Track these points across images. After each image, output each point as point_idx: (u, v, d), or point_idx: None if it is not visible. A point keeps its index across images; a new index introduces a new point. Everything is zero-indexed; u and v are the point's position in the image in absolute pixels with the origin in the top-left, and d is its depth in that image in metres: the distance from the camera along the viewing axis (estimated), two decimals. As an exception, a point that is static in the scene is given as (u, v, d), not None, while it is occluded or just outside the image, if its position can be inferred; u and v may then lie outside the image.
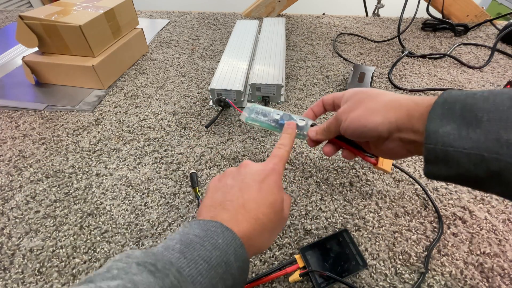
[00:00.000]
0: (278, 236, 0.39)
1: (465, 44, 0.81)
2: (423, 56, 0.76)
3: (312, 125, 0.35)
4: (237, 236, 0.23)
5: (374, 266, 0.36)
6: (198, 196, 0.43)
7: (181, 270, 0.20)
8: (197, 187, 0.44)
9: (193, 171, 0.47)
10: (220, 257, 0.22)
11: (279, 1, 0.97)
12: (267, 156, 0.50)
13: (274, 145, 0.52)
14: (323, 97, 0.35)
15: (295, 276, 0.33)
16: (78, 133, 0.56)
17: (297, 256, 0.35)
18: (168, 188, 0.45)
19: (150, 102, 0.63)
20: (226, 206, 0.25)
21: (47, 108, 0.62)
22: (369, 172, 0.47)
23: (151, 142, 0.53)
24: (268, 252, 0.37)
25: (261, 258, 0.37)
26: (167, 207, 0.43)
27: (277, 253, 0.37)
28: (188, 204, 0.43)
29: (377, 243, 0.38)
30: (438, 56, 0.75)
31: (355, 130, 0.27)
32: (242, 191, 0.26)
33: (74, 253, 0.38)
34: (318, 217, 0.41)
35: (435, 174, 0.23)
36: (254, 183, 0.27)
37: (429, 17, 0.87)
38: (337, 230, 0.39)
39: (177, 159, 0.50)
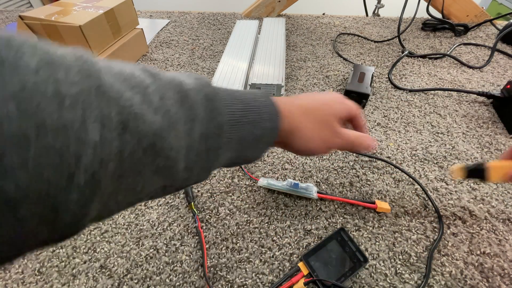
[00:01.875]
0: (278, 236, 0.39)
1: (465, 44, 0.81)
2: (423, 56, 0.76)
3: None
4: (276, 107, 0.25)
5: (374, 266, 0.36)
6: (194, 212, 0.41)
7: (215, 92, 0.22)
8: (192, 203, 0.42)
9: None
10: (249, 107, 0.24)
11: (279, 1, 0.97)
12: (267, 156, 0.50)
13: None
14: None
15: (300, 285, 0.33)
16: (78, 133, 0.56)
17: (300, 264, 0.35)
18: (168, 188, 0.45)
19: (150, 102, 0.63)
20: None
21: (47, 108, 0.62)
22: (369, 172, 0.47)
23: (151, 142, 0.53)
24: (268, 252, 0.37)
25: (261, 258, 0.37)
26: (167, 207, 0.43)
27: (277, 253, 0.37)
28: (188, 204, 0.43)
29: (377, 243, 0.38)
30: (438, 56, 0.75)
31: None
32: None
33: (74, 253, 0.38)
34: (318, 217, 0.41)
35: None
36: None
37: (429, 17, 0.87)
38: (336, 230, 0.39)
39: (177, 159, 0.50)
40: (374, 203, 0.41)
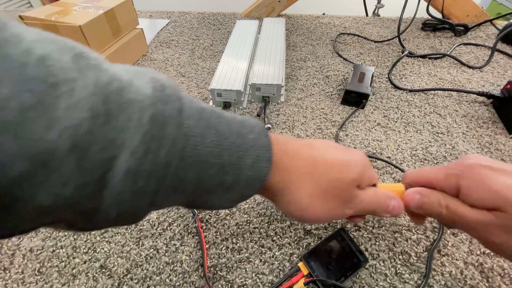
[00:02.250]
0: (278, 236, 0.39)
1: (465, 44, 0.81)
2: (423, 56, 0.76)
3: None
4: (270, 149, 0.19)
5: (374, 266, 0.36)
6: (194, 212, 0.41)
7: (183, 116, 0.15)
8: None
9: None
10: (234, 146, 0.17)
11: (279, 1, 0.97)
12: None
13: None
14: (408, 176, 0.27)
15: (300, 285, 0.33)
16: (78, 133, 0.56)
17: (300, 264, 0.35)
18: (168, 188, 0.45)
19: (150, 102, 0.63)
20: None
21: (47, 108, 0.62)
22: (369, 172, 0.47)
23: (151, 142, 0.53)
24: (268, 252, 0.37)
25: (261, 258, 0.37)
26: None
27: (277, 253, 0.37)
28: (188, 204, 0.43)
29: (377, 243, 0.38)
30: (438, 56, 0.75)
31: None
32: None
33: (74, 253, 0.38)
34: (318, 217, 0.41)
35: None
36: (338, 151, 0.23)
37: (429, 17, 0.87)
38: (336, 230, 0.39)
39: (177, 159, 0.50)
40: None
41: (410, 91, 0.64)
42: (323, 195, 0.21)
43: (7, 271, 0.36)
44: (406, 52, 0.72)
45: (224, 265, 0.36)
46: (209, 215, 0.41)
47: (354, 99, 0.59)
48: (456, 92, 0.63)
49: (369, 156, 0.49)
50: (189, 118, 0.16)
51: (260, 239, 0.39)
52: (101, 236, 0.39)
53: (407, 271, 0.35)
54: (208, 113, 0.17)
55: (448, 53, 0.75)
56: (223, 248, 0.38)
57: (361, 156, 0.24)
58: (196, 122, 0.16)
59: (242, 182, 0.18)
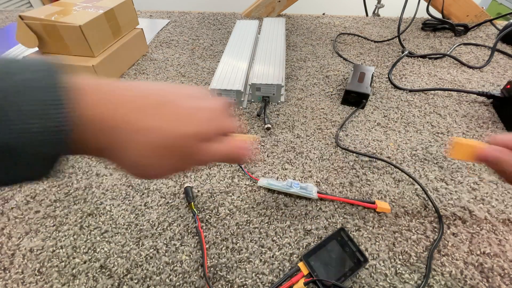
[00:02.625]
0: (278, 236, 0.39)
1: (465, 44, 0.81)
2: (423, 56, 0.76)
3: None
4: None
5: (374, 266, 0.36)
6: (194, 212, 0.41)
7: None
8: (192, 203, 0.42)
9: (188, 185, 0.44)
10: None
11: (279, 1, 0.97)
12: (267, 156, 0.50)
13: (273, 145, 0.52)
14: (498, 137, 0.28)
15: (300, 285, 0.33)
16: (78, 133, 0.56)
17: (300, 264, 0.35)
18: (168, 188, 0.45)
19: (150, 102, 0.63)
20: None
21: (47, 108, 0.62)
22: (369, 172, 0.47)
23: (151, 142, 0.53)
24: (268, 252, 0.37)
25: (261, 258, 0.37)
26: (167, 207, 0.43)
27: (277, 253, 0.37)
28: (188, 204, 0.43)
29: (377, 243, 0.38)
30: (438, 56, 0.75)
31: None
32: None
33: (74, 253, 0.38)
34: (318, 217, 0.41)
35: None
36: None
37: (429, 17, 0.87)
38: (336, 230, 0.39)
39: (177, 159, 0.50)
40: (374, 203, 0.41)
41: (410, 91, 0.64)
42: (160, 153, 0.18)
43: (7, 271, 0.36)
44: (406, 52, 0.72)
45: (224, 265, 0.36)
46: (209, 215, 0.41)
47: (354, 99, 0.59)
48: (456, 92, 0.63)
49: (369, 156, 0.49)
50: None
51: (260, 239, 0.39)
52: (101, 236, 0.39)
53: (407, 271, 0.35)
54: None
55: (448, 53, 0.75)
56: (223, 248, 0.38)
57: (210, 105, 0.21)
58: None
59: (33, 134, 0.13)
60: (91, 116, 0.15)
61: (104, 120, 0.16)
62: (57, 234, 0.40)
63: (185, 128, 0.18)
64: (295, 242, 0.38)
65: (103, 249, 0.38)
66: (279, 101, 0.62)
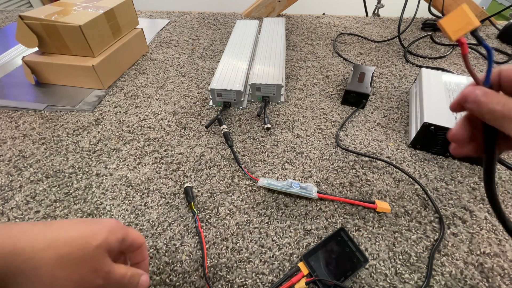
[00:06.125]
0: (278, 236, 0.39)
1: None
2: (423, 57, 0.76)
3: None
4: None
5: (374, 266, 0.36)
6: (194, 212, 0.41)
7: None
8: (192, 203, 0.42)
9: (188, 185, 0.44)
10: None
11: (279, 1, 0.97)
12: (267, 156, 0.50)
13: (273, 145, 0.52)
14: (504, 69, 0.19)
15: (301, 285, 0.33)
16: (78, 133, 0.56)
17: (300, 264, 0.35)
18: (168, 188, 0.45)
19: (150, 102, 0.63)
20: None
21: (47, 108, 0.62)
22: (369, 172, 0.47)
23: (151, 142, 0.53)
24: (268, 252, 0.37)
25: (261, 258, 0.37)
26: (167, 207, 0.43)
27: (277, 253, 0.37)
28: (188, 204, 0.43)
29: (377, 243, 0.38)
30: (438, 56, 0.75)
31: None
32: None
33: (74, 253, 0.38)
34: (318, 217, 0.41)
35: None
36: None
37: (430, 17, 0.87)
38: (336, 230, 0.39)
39: (177, 159, 0.50)
40: (374, 203, 0.41)
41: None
42: (62, 274, 0.19)
43: (7, 271, 0.36)
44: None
45: (224, 265, 0.36)
46: (209, 215, 0.41)
47: (354, 99, 0.59)
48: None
49: (369, 157, 0.49)
50: None
51: (260, 239, 0.39)
52: (101, 236, 0.39)
53: (407, 271, 0.35)
54: None
55: (448, 53, 0.75)
56: (223, 248, 0.38)
57: (108, 222, 0.23)
58: None
59: None
60: None
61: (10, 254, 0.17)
62: (57, 234, 0.40)
63: (90, 244, 0.21)
64: (295, 242, 0.38)
65: (103, 249, 0.38)
66: (279, 101, 0.62)
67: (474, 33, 0.21)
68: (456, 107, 0.21)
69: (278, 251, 0.37)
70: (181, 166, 0.49)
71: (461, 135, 0.21)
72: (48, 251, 0.19)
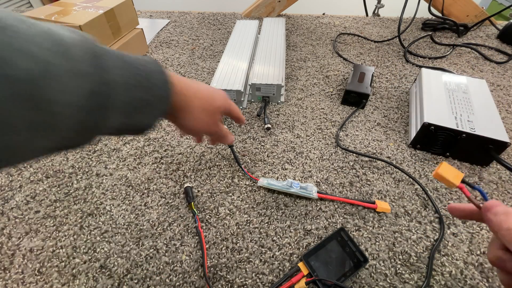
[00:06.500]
0: (278, 236, 0.39)
1: (465, 44, 0.81)
2: (423, 57, 0.76)
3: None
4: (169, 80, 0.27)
5: (374, 266, 0.36)
6: (194, 212, 0.41)
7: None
8: (192, 203, 0.42)
9: (188, 185, 0.44)
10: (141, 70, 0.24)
11: (279, 1, 0.97)
12: (267, 156, 0.50)
13: (274, 145, 0.52)
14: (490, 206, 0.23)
15: (301, 284, 0.33)
16: (78, 133, 0.56)
17: (300, 264, 0.35)
18: (168, 188, 0.45)
19: (150, 102, 0.63)
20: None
21: (47, 108, 0.62)
22: (369, 172, 0.47)
23: (151, 142, 0.53)
24: (268, 252, 0.37)
25: (261, 258, 0.37)
26: (167, 207, 0.43)
27: (277, 253, 0.37)
28: (188, 204, 0.43)
29: (377, 243, 0.38)
30: (438, 56, 0.75)
31: None
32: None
33: (74, 253, 0.38)
34: (318, 217, 0.41)
35: None
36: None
37: (430, 17, 0.87)
38: (335, 229, 0.39)
39: (177, 159, 0.50)
40: (374, 203, 0.41)
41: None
42: (206, 113, 0.33)
43: (7, 271, 0.36)
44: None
45: (224, 265, 0.36)
46: (209, 215, 0.41)
47: (354, 99, 0.59)
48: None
49: (369, 157, 0.49)
50: (113, 56, 0.22)
51: (260, 239, 0.39)
52: (101, 236, 0.39)
53: (407, 271, 0.35)
54: (118, 53, 0.23)
55: (448, 53, 0.76)
56: (223, 248, 0.38)
57: (220, 91, 0.37)
58: (116, 58, 0.22)
59: (157, 99, 0.26)
60: (177, 90, 0.28)
61: (181, 93, 0.29)
62: (57, 234, 0.40)
63: (215, 103, 0.34)
64: (295, 242, 0.38)
65: (103, 249, 0.38)
66: (279, 101, 0.62)
67: (464, 181, 0.25)
68: (461, 214, 0.26)
69: (278, 251, 0.37)
70: (181, 166, 0.49)
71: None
72: (195, 100, 0.31)
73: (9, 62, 0.14)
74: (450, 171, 0.26)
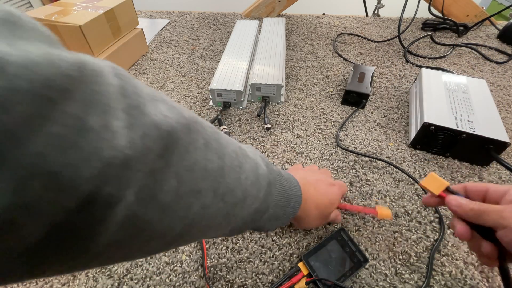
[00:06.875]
0: (278, 236, 0.39)
1: (465, 44, 0.81)
2: (423, 57, 0.76)
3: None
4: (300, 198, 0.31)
5: (374, 266, 0.36)
6: None
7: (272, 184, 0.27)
8: None
9: None
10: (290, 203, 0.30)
11: (279, 1, 0.97)
12: (267, 156, 0.50)
13: (273, 145, 0.52)
14: (468, 184, 0.29)
15: (301, 284, 0.33)
16: (78, 133, 0.56)
17: (300, 264, 0.35)
18: (168, 188, 0.45)
19: (150, 102, 0.63)
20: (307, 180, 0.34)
21: (47, 108, 0.62)
22: (369, 172, 0.47)
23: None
24: (268, 252, 0.37)
25: (261, 258, 0.37)
26: (167, 207, 0.43)
27: (277, 253, 0.37)
28: (188, 204, 0.43)
29: (377, 243, 0.38)
30: (438, 56, 0.75)
31: None
32: (317, 181, 0.36)
33: (74, 253, 0.38)
34: (318, 217, 0.41)
35: None
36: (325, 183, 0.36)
37: (430, 17, 0.87)
38: (335, 229, 0.39)
39: (177, 159, 0.50)
40: (374, 208, 0.38)
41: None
42: (319, 217, 0.35)
43: (7, 271, 0.36)
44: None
45: (224, 265, 0.36)
46: (209, 215, 0.41)
47: (354, 99, 0.59)
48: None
49: (369, 157, 0.49)
50: (278, 182, 0.28)
51: (260, 239, 0.39)
52: (101, 236, 0.39)
53: (407, 271, 0.35)
54: (283, 177, 0.29)
55: (448, 53, 0.76)
56: (223, 248, 0.38)
57: (339, 189, 0.37)
58: (279, 184, 0.28)
59: (286, 216, 0.30)
60: (302, 206, 0.31)
61: (304, 208, 0.32)
62: (57, 234, 0.40)
63: (332, 206, 0.35)
64: (295, 242, 0.38)
65: (103, 249, 0.38)
66: (279, 101, 0.62)
67: (449, 189, 0.29)
68: (431, 202, 0.30)
69: (278, 251, 0.37)
70: (181, 166, 0.49)
71: (465, 231, 0.27)
72: (314, 211, 0.33)
73: (240, 203, 0.23)
74: (434, 182, 0.29)
